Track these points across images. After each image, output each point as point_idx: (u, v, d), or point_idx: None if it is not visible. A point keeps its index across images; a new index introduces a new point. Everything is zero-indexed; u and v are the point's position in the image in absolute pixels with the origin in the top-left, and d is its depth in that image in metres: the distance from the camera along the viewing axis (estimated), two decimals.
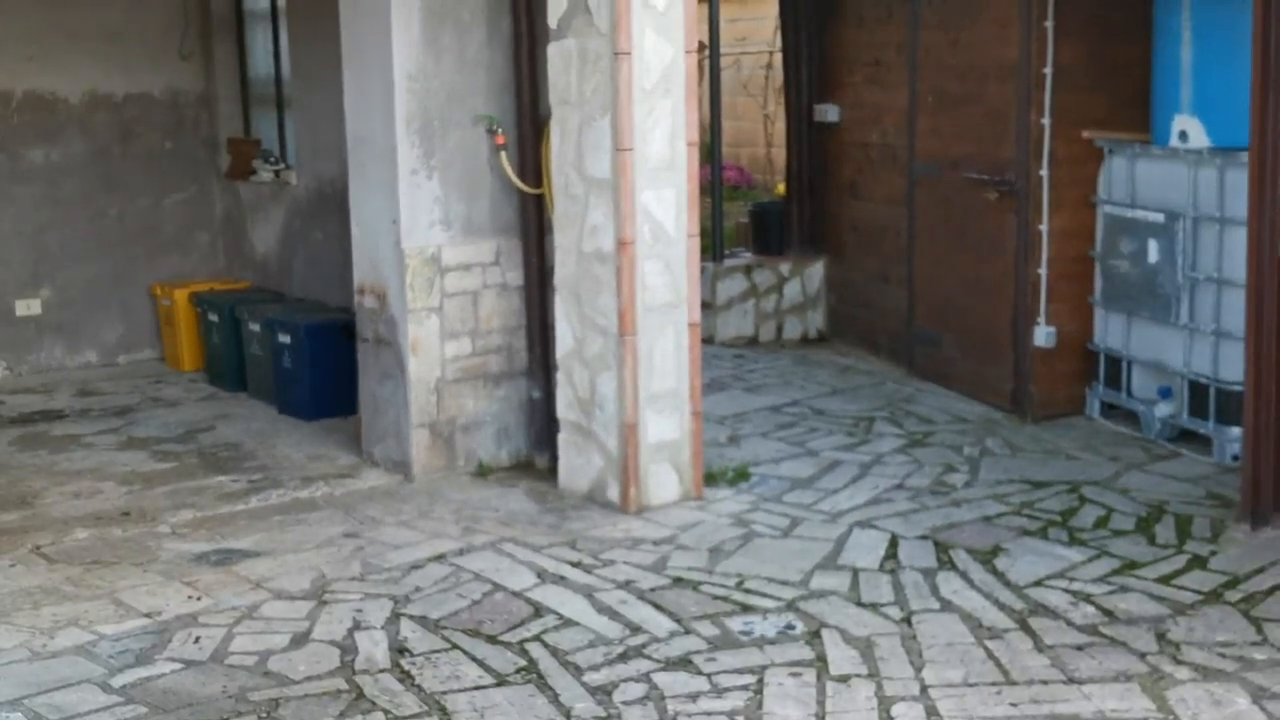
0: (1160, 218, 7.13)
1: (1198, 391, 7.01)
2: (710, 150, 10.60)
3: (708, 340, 9.93)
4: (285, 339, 8.09)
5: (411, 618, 5.17)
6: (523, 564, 5.70)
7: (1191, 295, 7.00)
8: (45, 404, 8.64)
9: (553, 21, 6.40)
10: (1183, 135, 7.02)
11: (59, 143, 9.32)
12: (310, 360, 7.94)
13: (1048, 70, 7.50)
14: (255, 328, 8.41)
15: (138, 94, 9.56)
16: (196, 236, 9.86)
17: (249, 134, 9.69)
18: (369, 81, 6.75)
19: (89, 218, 9.46)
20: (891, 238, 9.19)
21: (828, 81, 9.87)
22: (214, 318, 8.89)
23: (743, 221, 10.94)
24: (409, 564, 5.72)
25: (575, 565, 5.68)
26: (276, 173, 9.28)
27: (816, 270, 10.11)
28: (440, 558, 5.79)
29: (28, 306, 9.39)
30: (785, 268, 10.08)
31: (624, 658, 4.81)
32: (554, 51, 6.43)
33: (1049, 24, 7.45)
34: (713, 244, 10.21)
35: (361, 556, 5.82)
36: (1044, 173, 7.60)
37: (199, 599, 5.39)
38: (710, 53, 10.41)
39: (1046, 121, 7.55)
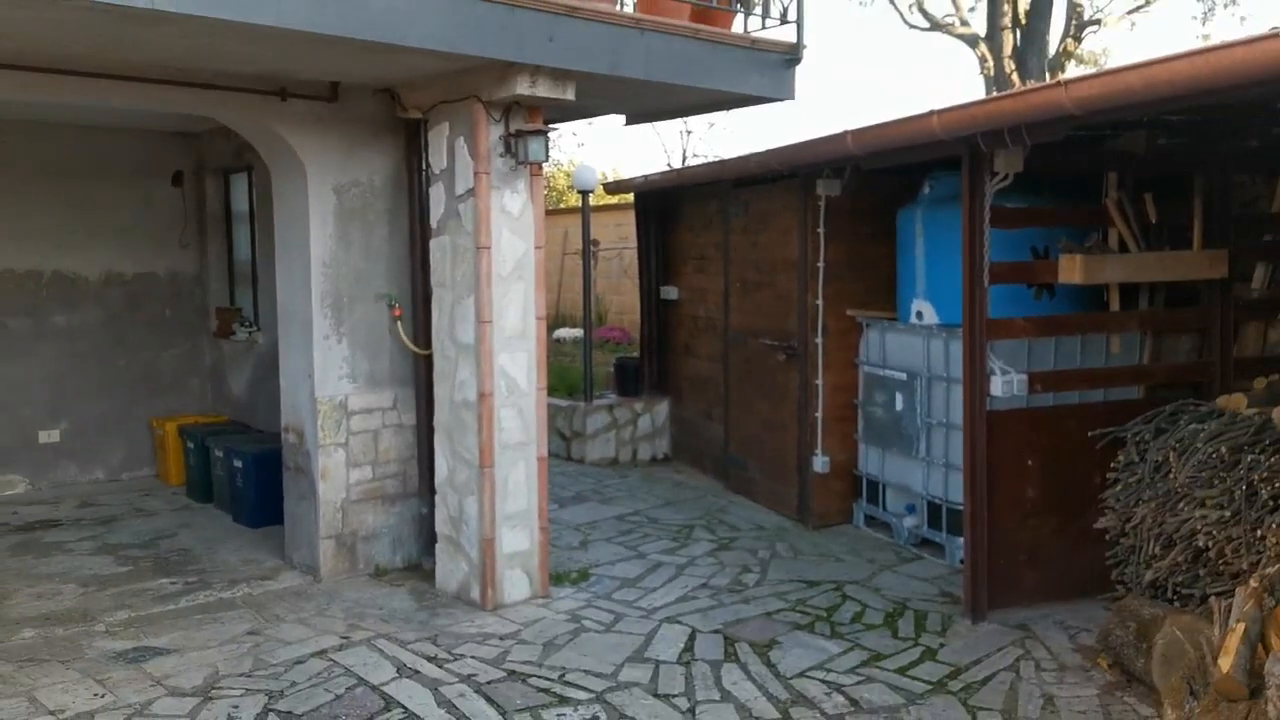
0: (904, 376, 6.56)
1: (934, 509, 6.37)
2: (585, 317, 9.94)
3: (579, 461, 9.25)
4: (238, 463, 7.20)
5: (278, 713, 4.28)
6: (388, 659, 4.83)
7: (928, 435, 6.40)
8: (49, 514, 7.60)
9: (433, 223, 5.75)
10: (919, 314, 6.49)
11: (79, 311, 8.42)
12: (255, 481, 7.04)
13: (820, 264, 6.96)
14: (219, 454, 7.50)
15: (145, 273, 8.70)
16: (189, 381, 8.95)
17: (232, 304, 8.86)
18: (293, 266, 6.02)
19: (101, 367, 8.53)
20: (713, 387, 8.55)
21: (669, 270, 9.32)
22: (191, 445, 7.96)
23: (610, 371, 10.26)
24: (293, 660, 4.83)
25: (431, 660, 4.82)
26: (250, 333, 8.45)
27: (663, 409, 9.43)
28: (322, 653, 4.90)
29: (48, 435, 8.39)
30: (639, 406, 9.38)
31: None
32: (434, 245, 5.76)
33: (820, 230, 6.94)
34: (585, 389, 9.54)
35: (255, 653, 4.91)
36: (819, 341, 7.02)
37: (103, 696, 4.45)
38: (583, 248, 9.84)
39: (820, 303, 6.99)
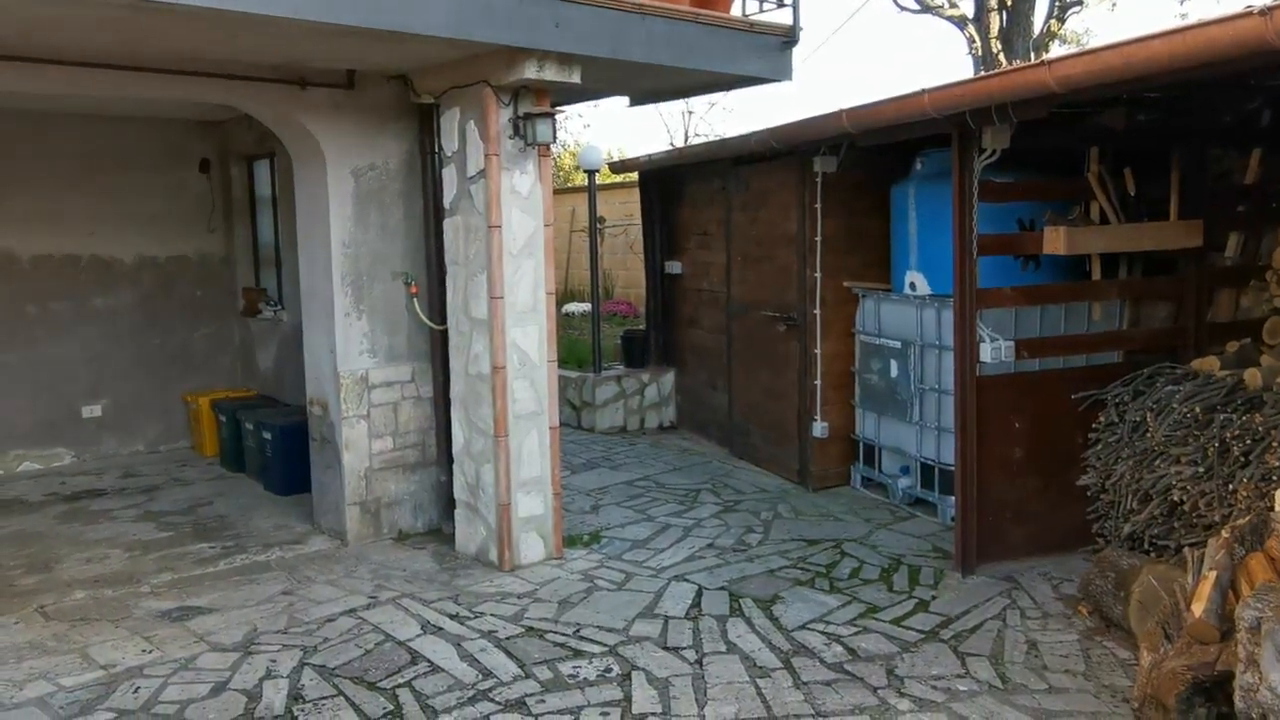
0: (898, 344, 6.61)
1: (927, 470, 6.45)
2: (592, 292, 9.96)
3: (589, 430, 9.31)
4: (267, 435, 7.29)
5: (313, 666, 4.38)
6: (413, 616, 4.93)
7: (921, 400, 6.46)
8: (94, 484, 7.73)
9: (446, 203, 5.80)
10: (912, 285, 6.53)
11: (115, 293, 8.51)
12: (283, 451, 7.13)
13: (818, 239, 6.99)
14: (249, 426, 7.60)
15: (176, 256, 8.77)
16: (219, 358, 9.03)
17: (258, 284, 8.93)
18: (315, 247, 6.07)
19: (138, 346, 8.62)
20: (717, 357, 8.60)
21: (673, 245, 9.34)
22: (223, 418, 8.06)
23: (618, 343, 10.31)
24: (325, 618, 4.93)
25: (453, 617, 4.92)
26: (275, 312, 8.52)
27: (668, 378, 9.48)
28: (351, 612, 5.01)
29: (91, 410, 8.49)
30: (646, 377, 9.44)
31: (473, 700, 4.06)
32: (447, 225, 5.81)
33: (818, 206, 6.96)
34: (594, 361, 9.60)
35: (290, 612, 5.02)
36: (817, 311, 7.06)
37: (151, 652, 4.56)
38: (590, 226, 9.85)
39: (818, 275, 7.03)
